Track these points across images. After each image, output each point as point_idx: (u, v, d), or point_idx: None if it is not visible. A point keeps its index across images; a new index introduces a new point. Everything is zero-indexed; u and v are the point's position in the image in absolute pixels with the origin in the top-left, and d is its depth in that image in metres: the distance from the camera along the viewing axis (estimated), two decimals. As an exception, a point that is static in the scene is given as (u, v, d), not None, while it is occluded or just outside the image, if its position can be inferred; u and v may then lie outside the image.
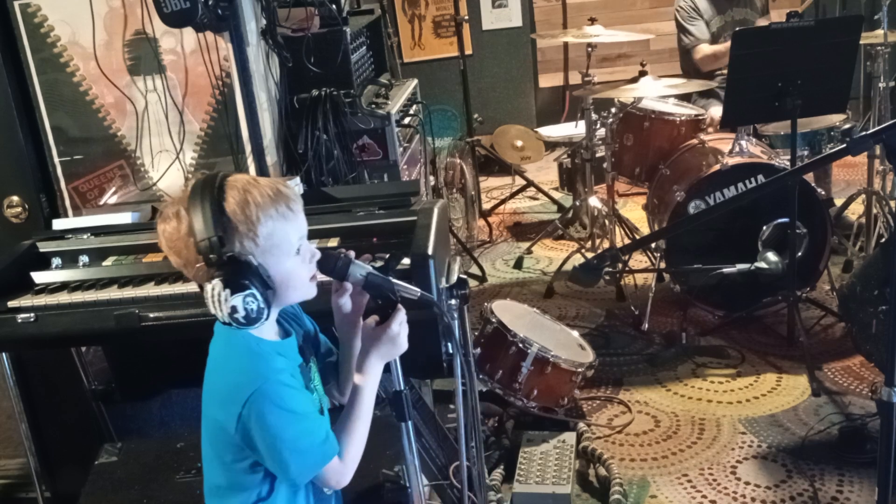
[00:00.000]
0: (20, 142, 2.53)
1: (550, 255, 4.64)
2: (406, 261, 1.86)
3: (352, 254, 1.61)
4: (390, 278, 1.63)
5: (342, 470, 1.56)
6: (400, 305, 1.63)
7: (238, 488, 1.56)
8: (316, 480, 1.57)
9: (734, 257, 3.41)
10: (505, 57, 6.28)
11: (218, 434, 1.52)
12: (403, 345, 1.64)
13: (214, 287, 1.43)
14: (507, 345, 2.91)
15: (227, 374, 1.52)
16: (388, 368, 1.71)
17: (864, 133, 1.75)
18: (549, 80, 6.53)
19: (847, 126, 3.88)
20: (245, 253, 1.44)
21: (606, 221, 4.17)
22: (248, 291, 1.44)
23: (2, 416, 2.69)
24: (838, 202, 4.31)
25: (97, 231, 2.27)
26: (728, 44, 4.32)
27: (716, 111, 4.18)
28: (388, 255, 1.97)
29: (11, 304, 2.00)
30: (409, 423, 1.80)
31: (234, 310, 1.44)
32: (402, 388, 1.75)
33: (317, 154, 2.64)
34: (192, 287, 1.99)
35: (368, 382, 1.61)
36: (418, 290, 1.65)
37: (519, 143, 5.75)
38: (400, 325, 1.63)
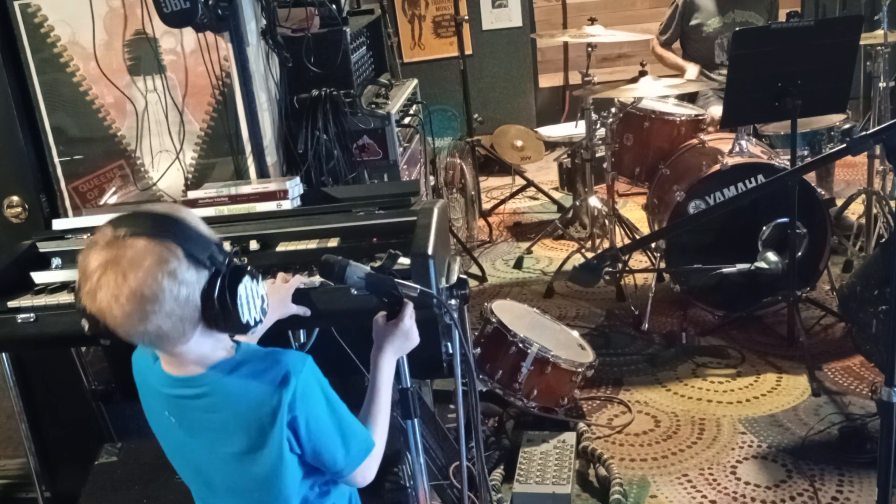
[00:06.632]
0: (20, 142, 2.53)
1: (550, 255, 4.64)
2: (404, 260, 1.85)
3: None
4: (390, 276, 1.64)
5: (370, 465, 1.55)
6: (408, 300, 1.64)
7: None
8: (347, 479, 1.55)
9: (734, 257, 3.41)
10: (505, 57, 6.28)
11: (260, 467, 1.45)
12: (416, 338, 1.66)
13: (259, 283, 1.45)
14: (507, 345, 2.91)
15: (253, 389, 1.42)
16: None
17: (864, 133, 1.75)
18: (549, 80, 6.54)
19: (847, 126, 3.88)
20: None
21: (606, 221, 4.17)
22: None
23: (2, 416, 2.69)
24: (839, 202, 4.31)
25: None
26: (671, 59, 4.57)
27: (715, 110, 4.18)
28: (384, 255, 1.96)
29: (11, 304, 2.00)
30: (416, 420, 1.80)
31: (263, 300, 1.46)
32: (409, 385, 1.76)
33: (317, 154, 2.64)
34: (192, 287, 1.98)
35: (384, 378, 1.62)
36: (418, 286, 1.66)
37: (519, 143, 5.75)
38: (411, 319, 1.65)
